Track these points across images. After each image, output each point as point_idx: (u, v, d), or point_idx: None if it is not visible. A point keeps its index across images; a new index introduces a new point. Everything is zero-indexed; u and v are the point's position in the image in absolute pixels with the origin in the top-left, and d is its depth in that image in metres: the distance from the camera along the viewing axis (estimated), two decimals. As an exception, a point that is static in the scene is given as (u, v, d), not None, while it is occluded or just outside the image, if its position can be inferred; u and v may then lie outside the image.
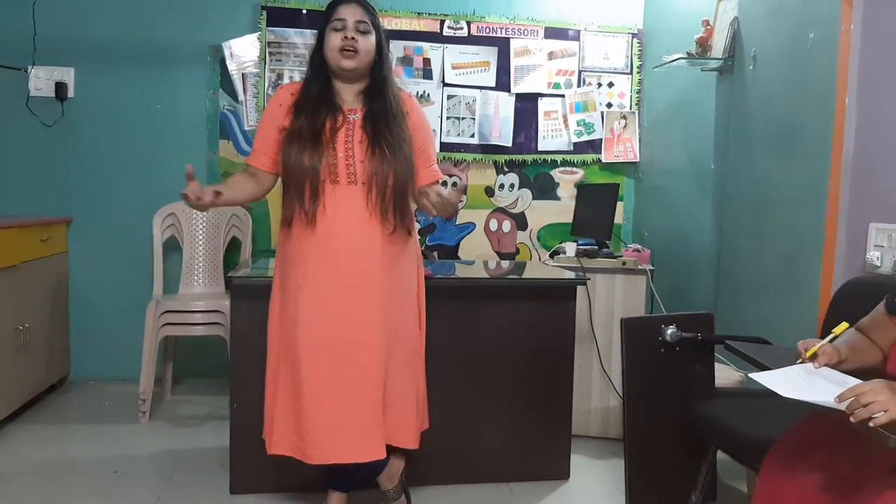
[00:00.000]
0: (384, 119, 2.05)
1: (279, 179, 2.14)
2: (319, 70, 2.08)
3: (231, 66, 3.78)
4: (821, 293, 2.44)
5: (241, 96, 3.80)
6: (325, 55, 2.05)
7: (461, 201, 2.00)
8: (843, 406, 1.32)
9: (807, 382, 1.47)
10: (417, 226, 3.96)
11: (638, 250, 3.17)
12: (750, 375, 1.52)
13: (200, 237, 3.63)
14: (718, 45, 3.14)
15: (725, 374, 2.57)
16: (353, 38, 2.01)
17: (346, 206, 2.01)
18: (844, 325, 1.59)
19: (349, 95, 2.10)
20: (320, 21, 2.09)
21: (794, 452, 1.60)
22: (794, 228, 2.61)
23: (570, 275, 2.80)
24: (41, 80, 3.65)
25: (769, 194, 2.78)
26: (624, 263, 3.04)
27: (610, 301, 3.04)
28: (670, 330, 2.18)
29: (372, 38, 2.06)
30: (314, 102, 2.05)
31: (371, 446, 2.01)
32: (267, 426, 2.12)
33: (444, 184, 1.99)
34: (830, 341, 1.56)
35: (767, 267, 2.77)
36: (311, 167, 1.98)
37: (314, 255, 2.01)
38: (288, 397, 2.03)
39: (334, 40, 2.02)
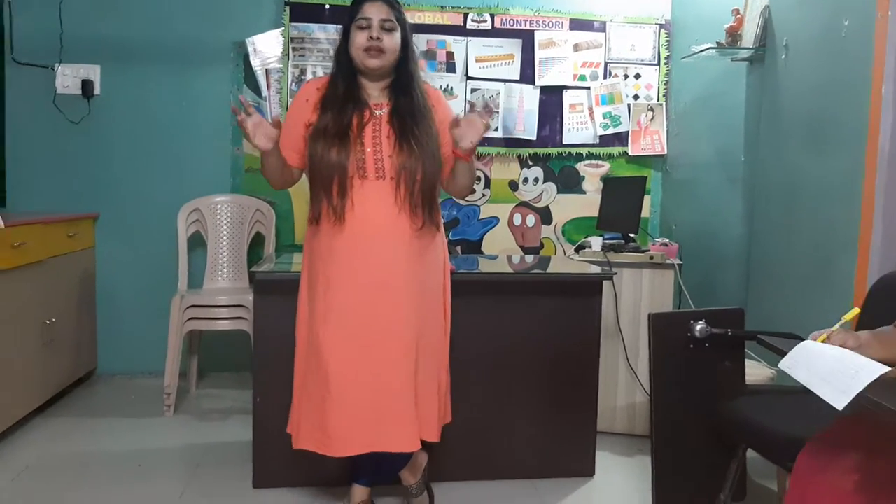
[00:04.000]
0: (410, 114, 2.03)
1: (303, 175, 2.14)
2: (346, 66, 2.07)
3: (255, 62, 3.78)
4: (855, 289, 2.37)
5: (264, 92, 3.80)
6: (351, 53, 2.04)
7: (490, 116, 1.96)
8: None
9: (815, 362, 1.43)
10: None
11: (665, 244, 3.11)
12: (780, 365, 1.48)
13: (224, 232, 3.64)
14: (749, 35, 3.06)
15: (756, 371, 2.51)
16: (378, 38, 2.00)
17: (375, 201, 2.00)
18: (856, 310, 1.58)
19: (375, 91, 2.09)
20: (346, 16, 2.08)
21: (828, 452, 1.54)
22: (827, 222, 2.54)
23: (596, 269, 2.75)
24: (68, 78, 3.68)
25: (801, 187, 2.71)
26: (651, 258, 2.99)
27: (637, 296, 2.99)
28: (699, 326, 2.12)
29: (397, 36, 2.04)
30: (340, 98, 2.04)
31: (404, 437, 2.00)
32: (293, 421, 2.12)
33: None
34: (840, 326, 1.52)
35: (799, 262, 2.70)
36: (339, 163, 1.97)
37: (343, 251, 2.00)
38: (316, 393, 2.02)
39: (360, 39, 2.01)
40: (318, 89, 2.09)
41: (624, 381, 3.01)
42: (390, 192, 2.00)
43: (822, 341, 1.48)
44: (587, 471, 2.61)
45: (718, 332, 2.14)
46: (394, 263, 2.01)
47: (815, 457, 1.56)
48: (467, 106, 3.79)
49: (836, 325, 1.52)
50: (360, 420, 1.99)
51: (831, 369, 1.37)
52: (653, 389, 2.18)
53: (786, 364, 1.47)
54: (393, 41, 2.03)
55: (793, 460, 1.63)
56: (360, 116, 2.03)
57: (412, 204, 2.01)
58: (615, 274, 2.73)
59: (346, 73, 2.07)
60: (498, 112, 1.74)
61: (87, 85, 3.69)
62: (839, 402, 1.30)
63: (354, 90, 2.06)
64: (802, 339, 2.12)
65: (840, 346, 1.46)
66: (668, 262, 2.99)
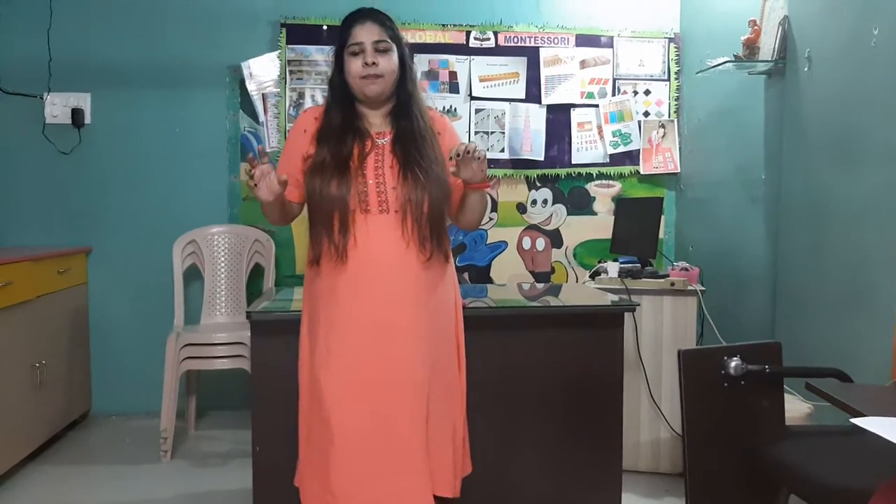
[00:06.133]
0: (413, 140, 1.87)
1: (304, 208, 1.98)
2: (341, 95, 1.92)
3: (251, 87, 3.65)
4: (897, 315, 2.21)
5: (261, 117, 3.67)
6: (348, 82, 1.89)
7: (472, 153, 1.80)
8: None
9: None
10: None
11: (686, 269, 2.94)
12: (853, 421, 1.31)
13: (222, 265, 3.49)
14: (767, 47, 2.92)
15: (792, 406, 2.33)
16: (373, 63, 1.84)
17: (380, 236, 1.84)
18: None
19: (376, 119, 1.93)
20: (336, 42, 1.93)
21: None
22: (863, 243, 2.38)
23: (614, 297, 2.59)
24: (57, 107, 3.55)
25: (831, 206, 2.55)
26: (672, 284, 2.82)
27: (658, 325, 2.82)
28: (734, 362, 1.96)
29: (394, 56, 1.88)
30: (339, 129, 1.88)
31: (414, 492, 1.82)
32: (301, 473, 1.95)
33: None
34: None
35: (833, 286, 2.53)
36: (339, 197, 1.81)
37: (347, 291, 1.84)
38: (319, 445, 1.86)
39: (354, 67, 1.86)
40: (316, 119, 1.94)
41: (647, 416, 2.84)
42: (396, 226, 1.84)
43: None
44: (613, 517, 2.43)
45: (755, 368, 1.98)
46: (402, 303, 1.85)
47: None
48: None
49: None
50: (366, 474, 1.82)
51: None
52: (685, 431, 2.01)
53: (864, 423, 1.30)
54: (390, 63, 1.87)
55: (848, 513, 1.46)
56: (361, 146, 1.87)
57: (420, 237, 1.85)
58: (638, 305, 2.56)
59: (342, 102, 1.92)
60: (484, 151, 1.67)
61: (76, 114, 3.56)
62: None
63: (353, 119, 1.90)
64: (848, 377, 1.97)
65: None
66: (689, 288, 2.83)
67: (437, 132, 1.94)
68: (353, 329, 1.84)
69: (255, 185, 1.75)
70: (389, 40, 1.87)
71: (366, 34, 1.85)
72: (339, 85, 1.91)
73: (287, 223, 2.05)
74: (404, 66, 1.92)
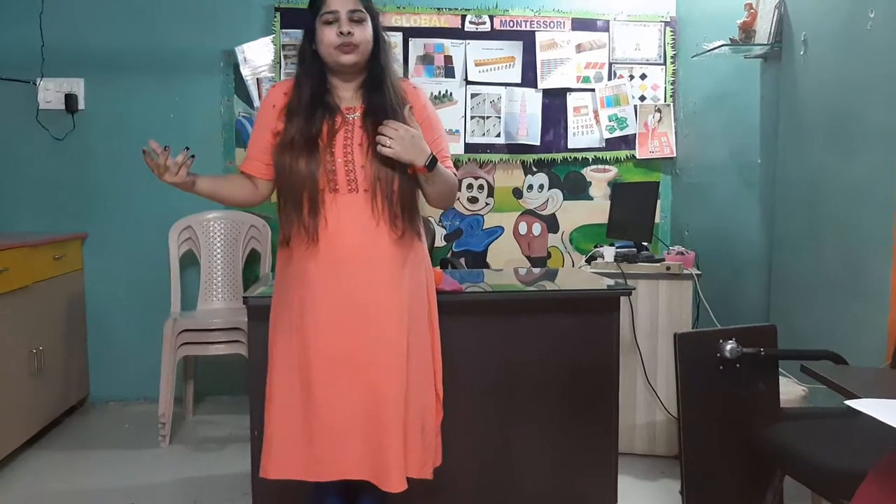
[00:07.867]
0: (384, 115, 1.81)
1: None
2: (312, 66, 1.87)
3: (245, 72, 3.63)
4: (892, 298, 2.23)
5: (256, 102, 3.65)
6: (320, 52, 1.84)
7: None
8: None
9: None
10: (443, 231, 3.80)
11: (682, 253, 2.95)
12: (847, 403, 1.32)
13: (218, 251, 3.49)
14: (763, 30, 2.91)
15: (787, 388, 2.35)
16: (349, 33, 1.80)
17: (349, 217, 1.81)
18: None
19: (347, 92, 1.89)
20: (308, 11, 1.87)
21: (891, 490, 1.39)
22: (858, 227, 2.39)
23: (609, 282, 2.60)
24: (50, 93, 3.53)
25: (827, 190, 2.56)
26: (668, 268, 2.83)
27: (654, 309, 2.84)
28: (730, 345, 1.98)
29: (368, 27, 1.84)
30: (308, 104, 1.84)
31: (395, 476, 1.79)
32: (265, 447, 1.88)
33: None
34: None
35: (828, 270, 2.54)
36: (309, 175, 1.78)
37: (318, 273, 1.81)
38: (296, 420, 1.83)
39: (329, 36, 1.81)
40: (286, 94, 1.89)
41: (643, 399, 2.86)
42: (365, 205, 1.81)
43: None
44: (609, 500, 2.45)
45: (750, 351, 2.00)
46: (375, 279, 1.82)
47: (874, 496, 1.41)
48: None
49: None
50: (353, 445, 1.80)
51: None
52: (681, 414, 2.03)
53: (858, 404, 1.32)
54: (364, 33, 1.83)
55: (842, 494, 1.48)
56: (330, 123, 1.83)
57: (391, 215, 1.82)
58: (633, 289, 2.57)
59: (312, 75, 1.87)
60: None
61: (70, 99, 3.53)
62: None
63: (323, 93, 1.86)
64: (843, 359, 1.99)
65: None
66: (685, 272, 2.84)
67: (409, 105, 1.86)
68: (329, 311, 1.81)
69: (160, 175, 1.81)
70: (364, 10, 1.83)
71: (341, 3, 1.80)
72: (309, 56, 1.86)
73: (254, 203, 1.98)
74: (378, 40, 1.87)
